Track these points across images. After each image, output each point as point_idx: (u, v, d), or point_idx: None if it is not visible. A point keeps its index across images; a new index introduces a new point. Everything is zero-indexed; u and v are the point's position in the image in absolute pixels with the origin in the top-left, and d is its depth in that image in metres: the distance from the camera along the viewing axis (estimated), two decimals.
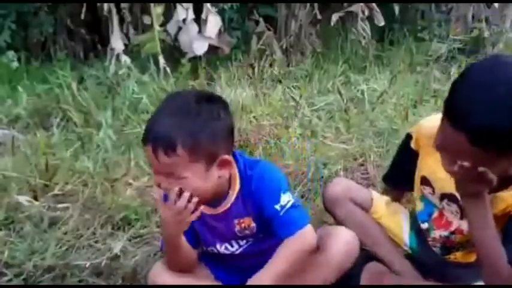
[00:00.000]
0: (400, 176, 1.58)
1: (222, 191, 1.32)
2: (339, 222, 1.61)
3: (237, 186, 1.33)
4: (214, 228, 1.37)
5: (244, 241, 1.39)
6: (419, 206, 1.51)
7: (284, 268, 1.27)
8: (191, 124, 1.18)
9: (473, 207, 1.19)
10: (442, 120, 1.15)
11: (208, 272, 1.46)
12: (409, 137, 1.49)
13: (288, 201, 1.29)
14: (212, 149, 1.21)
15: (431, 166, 1.38)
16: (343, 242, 1.39)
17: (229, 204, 1.34)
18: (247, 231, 1.36)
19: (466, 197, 1.21)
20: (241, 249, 1.40)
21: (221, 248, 1.40)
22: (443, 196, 1.40)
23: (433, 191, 1.43)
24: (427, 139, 1.32)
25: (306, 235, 1.30)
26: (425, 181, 1.44)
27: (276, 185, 1.30)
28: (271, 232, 1.32)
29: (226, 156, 1.25)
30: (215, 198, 1.32)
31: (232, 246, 1.40)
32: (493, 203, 1.24)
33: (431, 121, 1.31)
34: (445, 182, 1.31)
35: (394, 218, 1.59)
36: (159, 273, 1.38)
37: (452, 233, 1.42)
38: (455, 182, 1.20)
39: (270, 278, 1.25)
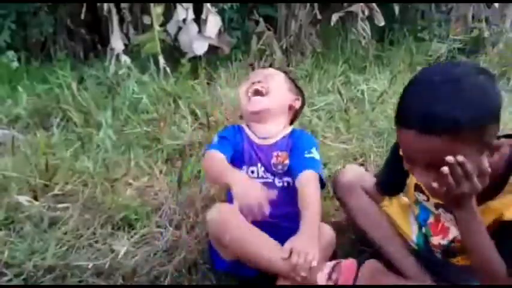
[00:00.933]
0: (391, 182, 1.53)
1: (281, 116, 1.65)
2: (348, 212, 1.60)
3: (289, 128, 1.67)
4: (259, 154, 1.62)
5: (277, 178, 1.59)
6: (416, 210, 1.50)
7: (319, 210, 1.43)
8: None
9: (462, 213, 1.16)
10: (397, 132, 1.13)
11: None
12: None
13: (316, 154, 1.56)
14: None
15: None
16: (322, 239, 1.41)
17: (277, 139, 1.62)
18: (280, 167, 1.58)
19: (452, 205, 1.17)
20: (275, 185, 1.58)
21: (260, 170, 1.61)
22: (438, 205, 1.38)
23: (428, 199, 1.41)
24: None
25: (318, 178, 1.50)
26: (418, 188, 1.42)
27: (313, 142, 1.62)
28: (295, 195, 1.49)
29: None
30: (269, 121, 1.63)
31: (269, 174, 1.60)
32: (484, 213, 1.20)
33: None
34: None
35: (403, 214, 1.57)
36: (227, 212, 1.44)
37: (452, 241, 1.39)
38: (433, 193, 1.18)
39: (317, 220, 1.40)
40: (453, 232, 1.38)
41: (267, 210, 1.36)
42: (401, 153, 1.18)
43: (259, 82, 1.64)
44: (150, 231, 1.82)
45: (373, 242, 1.55)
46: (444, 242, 1.41)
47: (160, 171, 2.22)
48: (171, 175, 2.17)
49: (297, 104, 1.72)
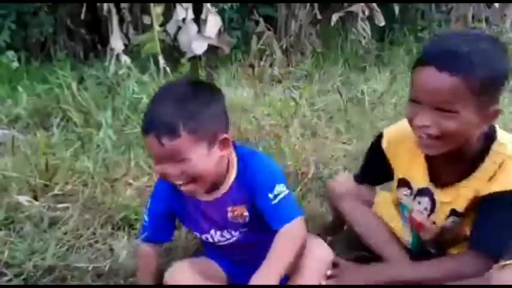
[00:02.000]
0: (369, 174, 1.57)
1: (221, 174, 1.33)
2: (341, 218, 1.61)
3: (234, 172, 1.34)
4: (208, 215, 1.39)
5: (238, 231, 1.39)
6: (400, 212, 1.52)
7: (288, 259, 1.25)
8: (190, 107, 1.22)
9: None
10: (414, 75, 1.20)
11: (216, 266, 1.47)
12: (380, 136, 1.50)
13: (282, 192, 1.30)
14: (213, 129, 1.25)
15: (405, 163, 1.40)
16: (318, 259, 1.35)
17: (224, 191, 1.35)
18: (239, 220, 1.36)
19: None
20: (234, 238, 1.40)
21: (216, 235, 1.40)
22: (418, 193, 1.39)
23: (411, 191, 1.42)
24: (398, 143, 1.39)
25: (300, 226, 1.29)
26: (402, 182, 1.44)
27: (271, 175, 1.32)
28: (264, 223, 1.31)
29: (226, 135, 1.28)
30: (214, 182, 1.33)
31: (227, 234, 1.40)
32: (462, 190, 1.27)
33: (400, 126, 1.40)
34: (419, 175, 1.36)
35: (396, 216, 1.57)
36: (179, 271, 1.38)
37: (441, 233, 1.40)
38: (420, 143, 1.24)
39: (277, 272, 1.22)
40: (432, 228, 1.40)
41: None
42: (410, 96, 1.22)
43: (173, 177, 1.27)
44: None
45: (371, 249, 1.55)
46: (431, 236, 1.43)
47: None
48: None
49: (227, 147, 1.31)
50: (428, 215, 1.38)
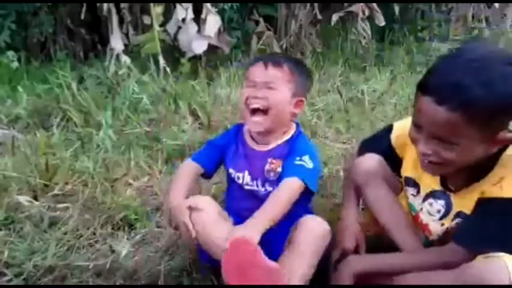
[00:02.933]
0: (372, 148, 1.54)
1: (282, 126, 1.52)
2: (364, 200, 1.54)
3: (287, 136, 1.53)
4: (250, 159, 1.55)
5: (264, 188, 1.51)
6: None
7: (277, 213, 1.35)
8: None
9: None
10: (416, 99, 1.18)
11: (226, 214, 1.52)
12: (390, 130, 1.50)
13: (307, 162, 1.45)
14: (301, 88, 1.51)
15: (413, 163, 1.38)
16: (311, 232, 1.39)
17: (273, 146, 1.52)
18: (271, 175, 1.50)
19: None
20: (257, 190, 1.52)
21: (246, 178, 1.53)
22: (429, 195, 1.37)
23: (417, 190, 1.41)
24: (407, 141, 1.33)
25: (300, 186, 1.41)
26: (409, 181, 1.42)
27: (307, 148, 1.49)
28: None
29: (303, 98, 1.52)
30: (272, 129, 1.50)
31: (255, 183, 1.52)
32: (468, 198, 1.25)
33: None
34: (429, 178, 1.34)
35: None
36: (203, 202, 1.45)
37: (444, 235, 1.37)
38: (422, 165, 1.23)
39: (266, 220, 1.31)
40: (437, 229, 1.37)
41: (193, 231, 1.41)
42: (413, 118, 1.21)
43: (258, 98, 1.47)
44: (150, 231, 1.82)
45: (386, 231, 1.48)
46: (434, 237, 1.41)
47: (160, 171, 2.22)
48: (171, 175, 2.17)
49: (300, 109, 1.55)
50: (440, 218, 1.36)
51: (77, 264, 1.63)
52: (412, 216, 1.46)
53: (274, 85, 1.46)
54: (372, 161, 1.51)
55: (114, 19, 3.47)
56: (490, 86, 1.05)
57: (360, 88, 3.20)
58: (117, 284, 1.57)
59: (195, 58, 3.47)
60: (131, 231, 1.82)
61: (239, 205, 1.54)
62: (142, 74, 3.20)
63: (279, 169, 1.49)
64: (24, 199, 1.91)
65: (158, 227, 1.83)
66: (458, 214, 1.32)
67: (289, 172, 1.43)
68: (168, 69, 3.30)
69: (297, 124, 1.58)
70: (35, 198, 1.97)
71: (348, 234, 1.49)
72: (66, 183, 2.07)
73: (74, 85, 2.92)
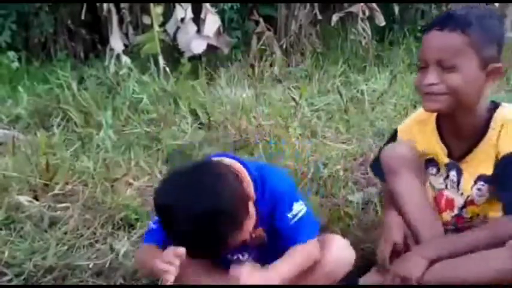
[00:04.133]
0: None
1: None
2: (390, 195, 1.49)
3: (252, 193, 1.27)
4: None
5: (251, 253, 1.36)
6: None
7: (297, 266, 1.25)
8: None
9: None
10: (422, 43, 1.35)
11: None
12: (395, 134, 1.53)
13: (300, 210, 1.30)
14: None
15: (425, 143, 1.43)
16: (335, 251, 1.35)
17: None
18: (257, 241, 1.32)
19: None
20: (249, 257, 1.36)
21: (233, 257, 1.36)
22: (447, 168, 1.41)
23: (437, 168, 1.43)
24: (411, 129, 1.48)
25: (315, 245, 1.30)
26: (428, 161, 1.44)
27: (289, 194, 1.31)
28: (277, 245, 1.30)
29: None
30: None
31: (243, 256, 1.36)
32: (482, 159, 1.32)
33: (409, 118, 1.55)
34: (440, 151, 1.41)
35: None
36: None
37: (463, 207, 1.40)
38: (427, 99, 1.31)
39: (288, 269, 1.23)
40: (459, 201, 1.40)
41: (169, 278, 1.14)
42: (418, 65, 1.35)
43: None
44: None
45: (411, 227, 1.45)
46: (453, 213, 1.42)
47: (160, 171, 2.22)
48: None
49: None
50: (458, 188, 1.40)
51: (77, 263, 1.63)
52: (434, 198, 1.46)
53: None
54: (404, 148, 1.46)
55: (114, 19, 3.47)
56: (482, 17, 1.27)
57: (360, 88, 3.20)
58: (117, 283, 1.58)
59: (195, 58, 3.48)
60: (131, 230, 1.82)
61: None
62: (142, 74, 3.21)
63: (263, 233, 1.31)
64: (24, 199, 1.91)
65: None
66: (479, 178, 1.35)
67: (292, 241, 1.28)
68: (168, 69, 3.30)
69: (245, 166, 1.31)
70: (36, 198, 1.97)
71: (395, 230, 1.45)
72: (67, 183, 2.07)
73: (74, 85, 2.93)
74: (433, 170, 1.45)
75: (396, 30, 4.30)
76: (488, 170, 1.33)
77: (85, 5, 3.51)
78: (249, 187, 1.26)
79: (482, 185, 1.35)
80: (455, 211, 1.42)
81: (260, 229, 1.31)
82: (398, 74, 3.47)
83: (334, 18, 3.92)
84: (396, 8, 4.13)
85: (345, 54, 3.88)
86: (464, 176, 1.39)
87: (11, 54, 3.61)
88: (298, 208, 1.30)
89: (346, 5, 4.01)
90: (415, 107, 3.00)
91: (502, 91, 3.09)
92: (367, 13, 3.97)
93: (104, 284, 1.58)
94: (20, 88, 3.03)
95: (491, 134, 1.32)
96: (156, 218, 1.31)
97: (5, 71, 3.44)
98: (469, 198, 1.39)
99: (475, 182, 1.36)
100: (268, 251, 1.32)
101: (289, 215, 1.28)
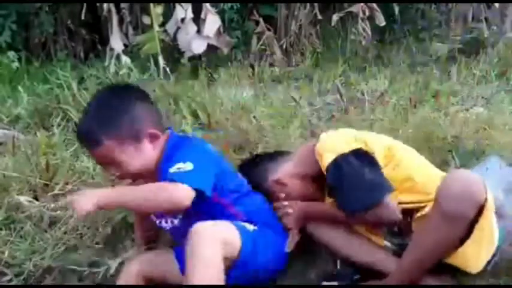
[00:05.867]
0: None
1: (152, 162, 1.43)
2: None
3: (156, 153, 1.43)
4: None
5: (177, 218, 1.47)
6: None
7: (131, 196, 1.33)
8: (107, 115, 1.38)
9: None
10: None
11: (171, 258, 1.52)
12: None
13: (182, 168, 1.33)
14: (134, 129, 1.39)
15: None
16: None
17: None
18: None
19: None
20: (176, 224, 1.48)
21: (159, 223, 1.53)
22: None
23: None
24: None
25: (178, 189, 1.29)
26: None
27: (178, 156, 1.37)
28: (199, 210, 1.35)
29: (152, 130, 1.41)
30: (150, 170, 1.43)
31: (166, 222, 1.50)
32: None
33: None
34: None
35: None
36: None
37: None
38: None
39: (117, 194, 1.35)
40: None
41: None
42: None
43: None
44: None
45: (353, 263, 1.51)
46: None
47: None
48: None
49: (155, 133, 1.44)
50: None
51: (77, 263, 1.63)
52: None
53: (115, 159, 1.39)
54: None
55: (114, 19, 3.48)
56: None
57: (360, 88, 3.20)
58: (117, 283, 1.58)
59: (195, 58, 3.48)
60: (131, 230, 1.82)
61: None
62: (142, 74, 3.21)
63: None
64: (24, 199, 1.91)
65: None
66: None
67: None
68: (168, 69, 3.30)
69: (173, 136, 1.49)
70: (36, 198, 1.97)
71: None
72: (67, 183, 2.07)
73: (74, 85, 2.92)
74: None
75: (396, 30, 4.30)
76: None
77: (85, 5, 3.51)
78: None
79: None
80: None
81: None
82: (398, 74, 3.46)
83: (334, 18, 3.92)
84: (396, 8, 4.13)
85: (345, 54, 3.89)
86: None
87: (11, 54, 3.61)
88: (181, 166, 1.34)
89: (346, 5, 4.01)
90: (415, 107, 3.01)
91: (502, 91, 3.09)
92: (367, 13, 3.97)
93: (104, 284, 1.58)
94: (20, 88, 3.03)
95: None
96: None
97: (5, 71, 3.44)
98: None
99: None
100: (191, 217, 1.38)
101: (170, 170, 1.33)
